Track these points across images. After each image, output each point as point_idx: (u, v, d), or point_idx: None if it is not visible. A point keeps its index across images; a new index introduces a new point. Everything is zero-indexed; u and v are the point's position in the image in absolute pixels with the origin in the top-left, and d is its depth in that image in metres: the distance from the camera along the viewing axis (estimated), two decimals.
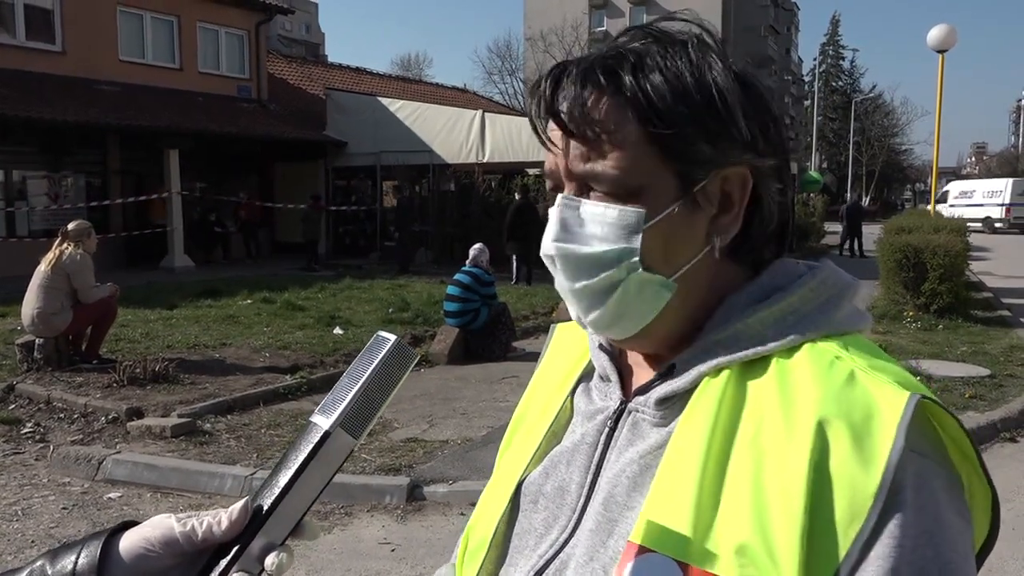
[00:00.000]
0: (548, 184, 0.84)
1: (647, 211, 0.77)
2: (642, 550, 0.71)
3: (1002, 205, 34.52)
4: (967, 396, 7.02)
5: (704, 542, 0.69)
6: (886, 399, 0.68)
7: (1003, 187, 34.67)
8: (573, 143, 0.78)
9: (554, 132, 0.80)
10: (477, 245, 9.43)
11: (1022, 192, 35.22)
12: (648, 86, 0.76)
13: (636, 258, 0.77)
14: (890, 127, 68.74)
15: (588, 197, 0.79)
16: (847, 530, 0.65)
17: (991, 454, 6.00)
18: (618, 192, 0.77)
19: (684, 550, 0.69)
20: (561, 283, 0.82)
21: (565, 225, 0.80)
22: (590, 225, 0.79)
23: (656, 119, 0.76)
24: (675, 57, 0.78)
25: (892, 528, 0.65)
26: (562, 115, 0.78)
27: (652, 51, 0.78)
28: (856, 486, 0.66)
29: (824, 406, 0.69)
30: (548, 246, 0.81)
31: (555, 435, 0.90)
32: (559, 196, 0.81)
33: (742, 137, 0.78)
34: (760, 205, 0.81)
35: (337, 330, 9.70)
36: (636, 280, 0.78)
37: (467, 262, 9.22)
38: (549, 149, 0.81)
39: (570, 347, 0.98)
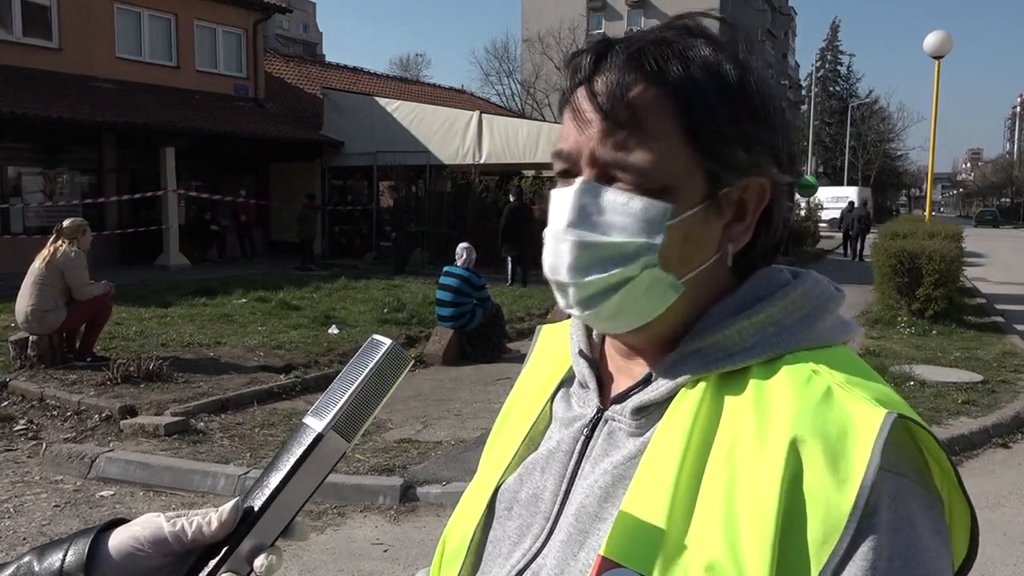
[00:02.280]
0: (559, 166, 0.79)
1: (673, 208, 0.74)
2: (612, 564, 0.70)
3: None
4: (960, 402, 7.03)
5: (674, 558, 0.68)
6: (862, 416, 0.67)
7: (851, 194, 41.03)
8: (604, 127, 0.74)
9: (585, 110, 0.75)
10: (464, 244, 9.24)
11: (866, 198, 42.60)
12: (695, 79, 0.73)
13: (654, 254, 0.75)
14: (886, 132, 68.88)
15: (611, 186, 0.75)
16: (820, 550, 0.64)
17: (983, 460, 6.01)
18: (646, 185, 0.74)
19: (653, 565, 0.68)
20: (563, 271, 0.77)
21: (583, 212, 0.75)
22: (610, 214, 0.75)
23: (700, 114, 0.73)
24: (721, 56, 0.75)
25: (865, 549, 0.63)
26: (600, 96, 0.74)
27: (699, 46, 0.75)
28: (830, 506, 0.64)
29: (799, 424, 0.68)
30: (560, 231, 0.76)
31: (533, 441, 0.89)
32: (579, 180, 0.76)
33: (771, 149, 0.77)
34: (770, 219, 0.80)
35: (333, 329, 9.69)
36: (648, 278, 0.75)
37: (459, 263, 9.05)
38: (578, 126, 0.76)
39: (554, 351, 0.96)
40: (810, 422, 0.67)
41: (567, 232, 0.76)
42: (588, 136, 0.75)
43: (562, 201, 0.77)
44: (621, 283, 0.75)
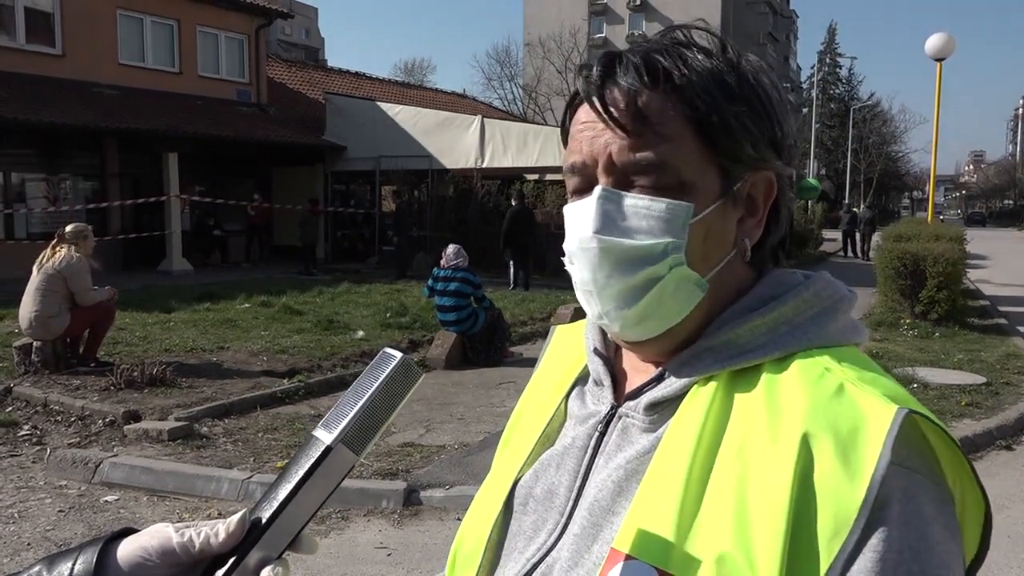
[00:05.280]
0: (573, 182, 0.81)
1: (694, 206, 0.76)
2: (624, 557, 0.71)
3: None
4: (963, 404, 7.03)
5: (685, 551, 0.69)
6: (873, 412, 0.68)
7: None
8: (618, 134, 0.76)
9: (590, 124, 0.78)
10: (456, 246, 9.20)
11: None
12: (698, 81, 0.76)
13: (681, 253, 0.76)
14: (888, 135, 68.83)
15: (630, 191, 0.77)
16: (830, 544, 0.65)
17: (987, 462, 6.00)
18: (664, 185, 0.76)
19: (665, 558, 0.69)
20: (590, 280, 0.78)
21: (607, 217, 0.77)
22: (633, 219, 0.76)
23: (707, 112, 0.76)
24: (716, 59, 0.78)
25: (875, 543, 0.65)
26: (611, 105, 0.76)
27: (694, 52, 0.78)
28: (840, 500, 0.65)
29: (811, 419, 0.69)
30: (588, 239, 0.77)
31: (548, 438, 0.90)
32: (598, 188, 0.77)
33: (773, 143, 0.79)
34: (778, 212, 0.82)
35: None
36: (676, 277, 0.77)
37: (452, 264, 8.95)
38: (591, 137, 0.78)
39: (568, 350, 0.97)
40: (822, 418, 0.69)
41: (592, 239, 0.77)
42: (604, 144, 0.77)
43: (583, 211, 0.78)
44: (650, 284, 0.77)
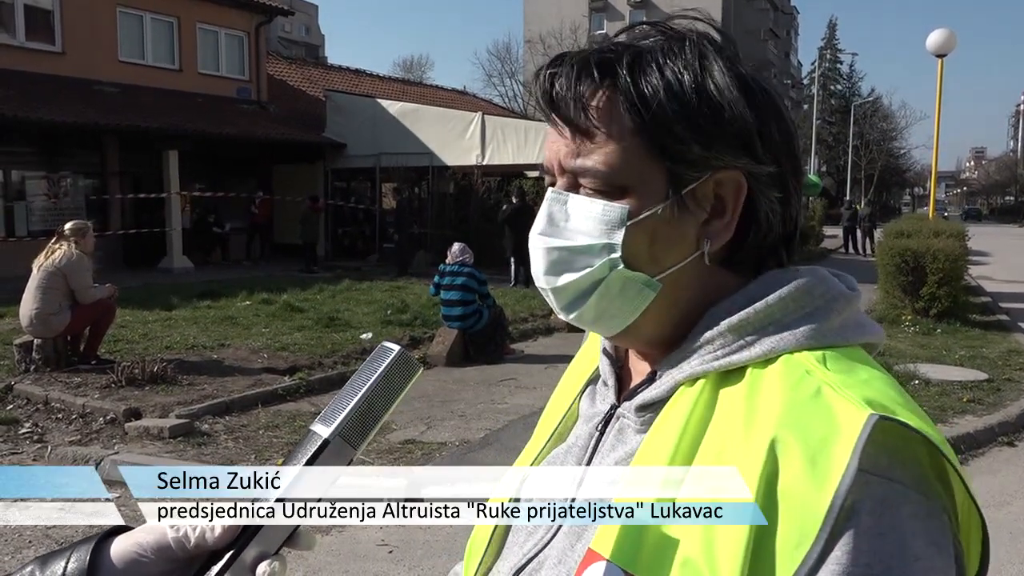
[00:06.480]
0: (547, 180, 0.83)
1: (632, 208, 0.76)
2: (598, 558, 0.71)
3: None
4: (965, 400, 7.03)
5: (654, 553, 0.68)
6: (847, 418, 0.65)
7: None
8: (565, 137, 0.78)
9: (551, 125, 0.80)
10: (461, 244, 9.27)
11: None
12: (642, 82, 0.75)
13: (617, 254, 0.76)
14: (889, 131, 68.65)
15: (578, 192, 0.78)
16: (793, 553, 0.62)
17: (989, 458, 6.01)
18: (605, 188, 0.76)
19: (634, 561, 0.68)
20: (541, 277, 0.81)
21: (552, 219, 0.79)
22: (575, 220, 0.78)
23: (647, 115, 0.74)
24: (675, 55, 0.76)
25: (839, 554, 0.61)
26: (557, 109, 0.78)
27: (652, 47, 0.77)
28: (805, 509, 0.62)
29: (782, 423, 0.66)
30: (534, 239, 0.81)
31: (561, 436, 0.92)
32: (549, 190, 0.81)
33: (738, 140, 0.75)
34: (756, 213, 0.78)
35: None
36: (618, 278, 0.77)
37: (458, 263, 9.02)
38: (550, 140, 0.80)
39: (593, 349, 0.98)
40: (792, 422, 0.66)
41: (538, 239, 0.80)
42: (556, 150, 0.80)
43: (540, 211, 0.81)
44: (593, 285, 0.78)
